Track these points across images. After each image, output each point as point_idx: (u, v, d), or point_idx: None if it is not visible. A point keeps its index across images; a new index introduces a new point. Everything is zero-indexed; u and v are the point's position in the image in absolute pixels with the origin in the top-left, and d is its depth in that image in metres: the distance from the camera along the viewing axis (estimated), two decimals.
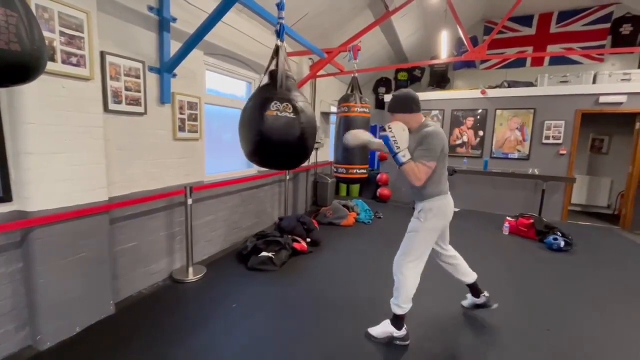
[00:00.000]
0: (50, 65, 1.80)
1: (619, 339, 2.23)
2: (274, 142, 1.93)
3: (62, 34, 1.85)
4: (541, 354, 2.04)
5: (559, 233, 4.15)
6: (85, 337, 2.07)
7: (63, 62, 1.87)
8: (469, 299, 2.50)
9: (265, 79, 2.12)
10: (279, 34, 2.05)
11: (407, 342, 2.08)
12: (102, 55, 2.18)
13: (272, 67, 2.07)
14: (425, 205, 2.03)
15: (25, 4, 0.94)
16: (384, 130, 1.93)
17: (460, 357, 2.01)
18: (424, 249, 2.06)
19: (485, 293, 2.39)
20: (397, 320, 2.09)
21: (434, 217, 2.02)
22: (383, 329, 2.13)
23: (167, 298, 2.60)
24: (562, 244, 3.96)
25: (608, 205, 6.38)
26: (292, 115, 1.89)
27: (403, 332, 2.08)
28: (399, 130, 1.90)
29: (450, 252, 2.36)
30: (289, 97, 1.93)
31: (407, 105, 1.99)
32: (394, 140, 1.90)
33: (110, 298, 2.32)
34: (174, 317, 2.32)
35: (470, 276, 2.38)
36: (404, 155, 1.90)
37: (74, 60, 1.93)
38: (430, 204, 2.02)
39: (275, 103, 1.89)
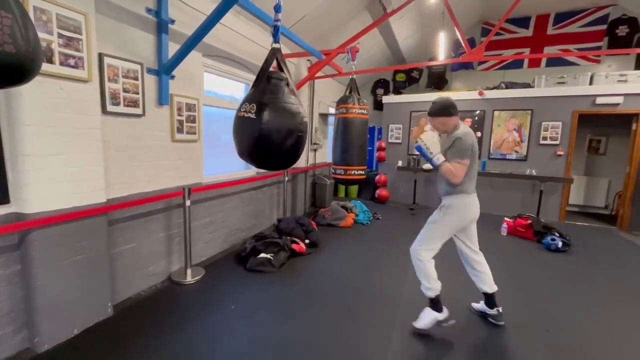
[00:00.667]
0: (48, 67, 1.81)
1: (617, 339, 2.24)
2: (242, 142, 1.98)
3: (60, 35, 1.85)
4: (539, 354, 2.04)
5: (556, 234, 4.16)
6: (83, 339, 2.06)
7: (61, 63, 1.87)
8: (480, 305, 2.48)
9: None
10: (274, 36, 2.05)
11: (452, 322, 2.21)
12: (100, 57, 2.18)
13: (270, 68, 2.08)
14: (447, 201, 2.22)
15: (20, 6, 0.94)
16: (417, 142, 2.24)
17: (458, 357, 2.01)
18: (439, 241, 2.22)
19: (500, 309, 2.37)
20: (435, 304, 2.21)
21: (453, 212, 2.18)
22: (427, 317, 2.22)
23: (165, 300, 2.59)
24: (560, 244, 3.97)
25: (605, 206, 6.41)
26: (253, 115, 1.86)
27: (445, 313, 2.21)
28: (429, 139, 2.17)
29: (478, 256, 2.38)
30: (257, 99, 1.91)
31: (446, 110, 2.22)
32: (426, 148, 2.16)
33: (108, 300, 2.32)
34: (172, 319, 2.31)
35: (491, 287, 2.37)
36: (438, 159, 2.14)
37: (72, 62, 1.93)
38: (451, 200, 2.20)
39: (245, 104, 1.91)
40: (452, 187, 2.18)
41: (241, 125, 1.95)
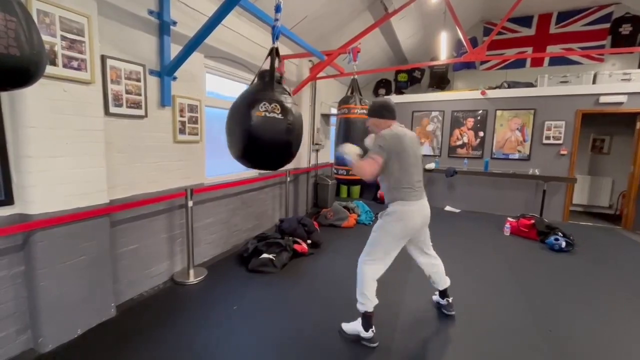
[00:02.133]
0: (51, 69, 1.83)
1: (621, 340, 2.22)
2: (264, 142, 1.99)
3: (63, 38, 1.87)
4: (543, 355, 2.03)
5: (560, 233, 4.14)
6: (86, 340, 2.07)
7: (64, 66, 1.89)
8: (436, 298, 2.58)
9: (256, 80, 2.16)
10: (274, 36, 2.07)
11: (374, 345, 2.07)
12: (103, 59, 2.19)
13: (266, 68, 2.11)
14: (388, 209, 2.13)
15: (24, 9, 0.95)
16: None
17: (461, 358, 2.01)
18: (385, 253, 2.10)
19: (450, 299, 2.47)
20: (364, 320, 2.11)
21: (394, 222, 2.07)
22: (353, 326, 2.16)
23: (168, 300, 2.60)
24: (564, 244, 3.95)
25: (610, 206, 6.36)
26: (280, 116, 1.93)
27: (370, 334, 2.08)
28: (347, 148, 2.15)
29: (432, 260, 2.40)
30: (277, 99, 1.97)
31: (378, 112, 2.18)
32: (344, 154, 2.14)
33: (111, 300, 2.33)
34: (175, 320, 2.32)
35: (444, 283, 2.44)
36: (352, 158, 2.11)
37: (75, 64, 1.94)
38: (391, 208, 2.10)
39: (264, 104, 1.93)
40: (391, 194, 2.10)
41: (264, 124, 1.96)
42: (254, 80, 2.17)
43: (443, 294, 2.48)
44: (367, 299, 2.10)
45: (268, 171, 4.37)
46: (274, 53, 2.06)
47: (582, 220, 5.78)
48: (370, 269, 2.11)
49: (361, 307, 2.11)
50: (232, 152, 2.11)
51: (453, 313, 2.45)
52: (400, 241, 2.12)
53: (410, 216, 2.08)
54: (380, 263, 2.11)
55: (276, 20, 2.05)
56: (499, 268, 3.41)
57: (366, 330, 2.09)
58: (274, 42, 2.07)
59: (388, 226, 2.09)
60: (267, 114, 1.91)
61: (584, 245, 4.20)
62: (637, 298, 2.81)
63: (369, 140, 2.26)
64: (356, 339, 2.13)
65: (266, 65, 2.11)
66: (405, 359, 1.99)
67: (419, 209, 2.11)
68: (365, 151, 2.21)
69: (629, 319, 2.48)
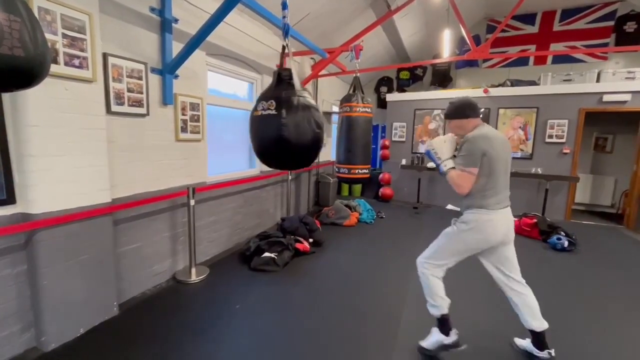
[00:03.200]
0: (52, 68, 1.80)
1: (624, 340, 2.21)
2: (263, 142, 1.97)
3: (64, 36, 1.85)
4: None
5: (562, 233, 4.12)
6: (89, 339, 2.07)
7: (65, 64, 1.88)
8: (525, 343, 2.03)
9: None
10: (285, 33, 2.02)
11: (462, 347, 1.90)
12: (105, 56, 2.18)
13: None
14: (464, 216, 1.90)
15: (28, 9, 0.94)
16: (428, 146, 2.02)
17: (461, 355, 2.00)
18: (449, 258, 1.93)
19: (552, 352, 1.90)
20: (442, 325, 1.94)
21: (469, 231, 1.85)
22: (433, 338, 1.98)
23: (170, 299, 2.60)
24: (566, 243, 3.94)
25: (612, 205, 6.34)
26: (273, 111, 1.85)
27: (453, 337, 1.91)
28: (438, 143, 1.95)
29: (520, 287, 1.96)
30: (274, 95, 1.90)
31: (461, 111, 1.95)
32: (435, 153, 1.95)
33: (114, 299, 2.33)
34: (177, 318, 2.32)
35: (537, 322, 1.91)
36: (445, 165, 1.90)
37: (76, 62, 1.93)
38: (468, 216, 1.87)
39: (262, 103, 1.89)
40: (470, 201, 1.85)
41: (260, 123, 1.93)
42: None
43: (540, 341, 1.91)
44: (440, 298, 1.92)
45: (270, 169, 4.38)
46: (285, 50, 2.00)
47: (584, 220, 5.76)
48: (432, 270, 1.94)
49: (435, 311, 1.94)
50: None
51: None
52: (471, 253, 1.92)
53: (491, 226, 1.82)
54: (440, 268, 1.95)
55: (284, 17, 2.01)
56: None
57: (447, 334, 1.92)
58: (285, 39, 1.99)
59: (463, 235, 1.87)
60: (263, 112, 1.88)
61: (587, 244, 4.18)
62: (639, 297, 2.81)
63: (439, 143, 1.96)
64: (440, 350, 1.95)
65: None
66: (402, 354, 1.98)
67: (501, 218, 1.85)
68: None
69: (632, 319, 2.47)
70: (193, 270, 2.95)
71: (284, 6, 1.96)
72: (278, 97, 1.88)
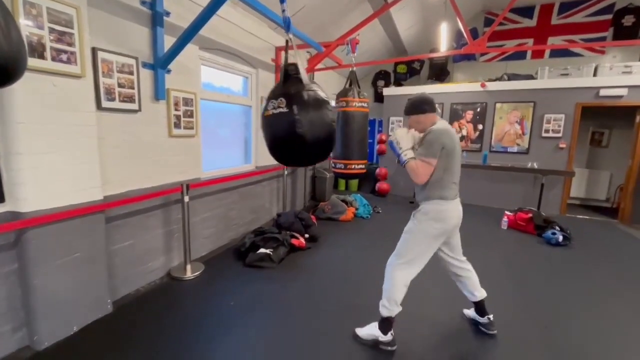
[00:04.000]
0: (39, 63, 1.77)
1: (617, 334, 2.23)
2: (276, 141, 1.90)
3: (51, 30, 1.80)
4: (539, 351, 2.04)
5: (557, 227, 4.15)
6: (82, 337, 2.07)
7: (53, 59, 1.83)
8: (472, 313, 2.32)
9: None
10: (286, 26, 1.96)
11: (393, 348, 2.01)
12: (94, 51, 2.13)
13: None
14: (423, 207, 1.99)
15: (2, 4, 0.89)
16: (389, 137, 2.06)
17: (457, 351, 2.02)
18: (418, 254, 1.98)
19: (490, 317, 2.21)
20: (384, 324, 2.02)
21: (430, 220, 1.95)
22: (369, 331, 2.08)
23: (165, 296, 2.59)
24: (561, 238, 3.96)
25: (607, 199, 6.38)
26: (285, 109, 1.78)
27: (389, 337, 2.01)
28: (401, 134, 2.03)
29: (464, 264, 2.20)
30: (283, 91, 1.83)
31: (419, 107, 2.02)
32: (397, 143, 2.01)
33: (107, 297, 2.32)
34: (171, 315, 2.32)
35: (479, 293, 2.20)
36: (405, 155, 1.98)
37: (64, 57, 1.88)
38: (428, 206, 1.97)
39: (272, 102, 1.83)
40: (430, 192, 1.95)
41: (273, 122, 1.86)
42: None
43: (481, 309, 2.22)
44: (395, 305, 1.99)
45: (265, 165, 4.35)
46: (288, 44, 1.94)
47: (579, 214, 5.80)
48: (402, 274, 1.98)
49: (385, 312, 2.01)
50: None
51: (495, 332, 2.18)
52: (436, 242, 2.00)
53: (448, 215, 1.96)
54: (413, 266, 1.99)
55: (284, 11, 1.96)
56: (496, 262, 3.42)
57: (385, 333, 2.01)
58: (287, 32, 1.93)
59: (424, 226, 1.96)
60: (274, 111, 1.81)
61: (581, 239, 4.21)
62: (633, 292, 2.83)
63: (402, 134, 2.04)
64: (374, 343, 2.05)
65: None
66: (398, 351, 1.99)
67: (455, 208, 2.01)
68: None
69: (625, 312, 2.50)
70: (188, 266, 2.94)
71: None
72: (287, 94, 1.80)
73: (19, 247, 1.85)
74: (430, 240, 1.98)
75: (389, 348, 2.02)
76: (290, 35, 1.95)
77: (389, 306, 2.00)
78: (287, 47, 1.97)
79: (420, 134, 2.02)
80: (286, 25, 1.94)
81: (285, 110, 1.78)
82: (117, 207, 2.40)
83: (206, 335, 2.12)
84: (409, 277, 1.99)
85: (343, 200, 5.26)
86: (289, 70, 1.90)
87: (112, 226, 2.40)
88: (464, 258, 2.22)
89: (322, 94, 1.87)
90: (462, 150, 6.20)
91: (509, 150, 5.97)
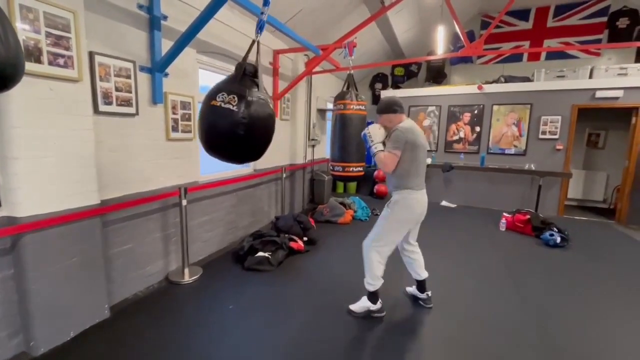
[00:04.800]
0: (36, 67, 1.77)
1: (615, 335, 2.24)
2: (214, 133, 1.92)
3: (48, 34, 1.80)
4: (536, 350, 2.04)
5: (555, 229, 4.16)
6: (80, 342, 2.05)
7: (50, 63, 1.82)
8: (412, 289, 2.67)
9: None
10: (259, 28, 2.00)
11: (382, 314, 2.39)
12: (91, 55, 2.13)
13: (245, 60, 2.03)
14: (394, 197, 2.31)
15: None
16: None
17: (455, 356, 2.01)
18: (391, 237, 2.31)
19: (429, 293, 2.57)
20: (372, 296, 2.36)
21: (401, 209, 2.26)
22: (361, 304, 2.40)
23: (163, 300, 2.58)
24: (559, 239, 3.97)
25: (604, 200, 6.41)
26: (234, 108, 1.82)
27: (378, 305, 2.37)
28: (374, 129, 2.33)
29: (415, 248, 2.54)
30: (237, 90, 1.86)
31: (390, 107, 2.32)
32: (370, 136, 2.32)
33: (105, 302, 2.30)
34: (170, 319, 2.30)
35: (424, 273, 2.55)
36: (376, 147, 2.29)
37: (61, 61, 1.88)
38: (398, 196, 2.28)
39: (222, 94, 1.84)
40: (399, 182, 2.25)
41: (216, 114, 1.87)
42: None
43: (422, 287, 2.57)
44: (377, 279, 2.32)
45: (264, 167, 4.34)
46: (256, 45, 1.99)
47: (576, 215, 5.82)
48: (378, 253, 2.30)
49: (370, 287, 2.34)
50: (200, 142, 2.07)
51: (431, 306, 2.54)
52: (406, 227, 2.32)
53: (415, 203, 2.26)
54: (386, 247, 2.31)
55: (262, 13, 1.99)
56: (494, 264, 3.43)
57: (374, 303, 2.36)
58: (257, 34, 1.99)
59: (396, 214, 2.27)
60: (223, 105, 1.83)
61: (579, 240, 4.22)
62: (630, 292, 2.84)
63: (375, 129, 2.33)
64: (366, 314, 2.38)
65: (248, 57, 2.04)
66: (395, 354, 1.99)
67: (421, 198, 2.30)
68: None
69: (622, 313, 2.50)
70: (186, 270, 2.93)
71: (266, 3, 1.93)
72: (241, 95, 1.84)
73: (16, 252, 1.84)
74: (400, 225, 2.31)
75: (380, 314, 2.39)
76: (258, 38, 1.98)
77: (372, 282, 2.34)
78: (258, 48, 1.98)
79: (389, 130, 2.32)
80: (258, 27, 1.98)
81: (234, 108, 1.82)
82: (114, 211, 2.39)
83: (205, 339, 2.10)
84: (385, 256, 2.33)
85: (341, 203, 5.26)
86: (248, 70, 1.94)
87: (109, 230, 2.39)
88: (416, 243, 2.55)
89: (270, 106, 1.99)
90: (462, 153, 6.27)
91: (506, 152, 6.00)
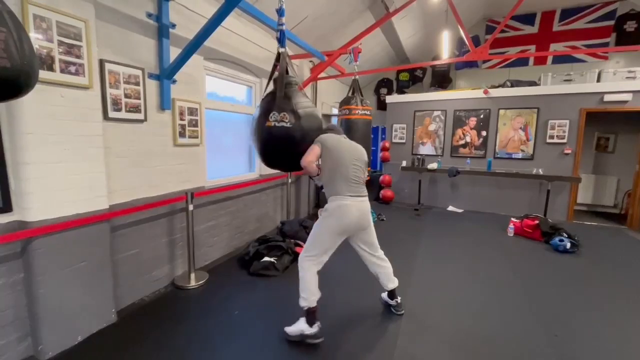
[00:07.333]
0: (48, 75, 1.81)
1: (629, 342, 2.18)
2: (276, 150, 2.15)
3: (60, 43, 1.85)
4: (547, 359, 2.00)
5: (564, 234, 4.09)
6: (87, 346, 2.06)
7: (61, 71, 1.87)
8: (385, 296, 2.61)
9: (270, 87, 2.23)
10: (280, 41, 2.04)
11: (318, 340, 2.08)
12: (101, 63, 2.17)
13: (275, 74, 2.15)
14: (326, 206, 2.22)
15: (15, 19, 0.92)
16: None
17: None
18: (322, 248, 2.17)
19: (398, 299, 2.53)
20: (308, 316, 2.12)
21: (329, 217, 2.15)
22: (297, 326, 2.14)
23: (169, 305, 2.59)
24: (568, 245, 3.90)
25: (615, 205, 6.29)
26: (288, 124, 2.01)
27: (314, 329, 2.09)
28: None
29: (378, 260, 2.46)
30: (287, 107, 2.04)
31: (325, 131, 2.34)
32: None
33: (112, 306, 2.32)
34: (176, 324, 2.31)
35: (392, 283, 2.50)
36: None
37: (72, 69, 1.92)
38: (327, 205, 2.20)
39: (274, 114, 1.98)
40: (327, 189, 2.22)
41: (274, 133, 2.06)
42: (267, 86, 2.28)
43: (392, 294, 2.53)
44: (311, 294, 2.13)
45: (269, 173, 4.37)
46: (283, 57, 2.09)
47: (586, 220, 5.72)
48: (309, 265, 2.17)
49: (304, 303, 2.12)
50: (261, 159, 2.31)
51: (402, 313, 2.49)
52: (336, 237, 2.18)
53: (344, 210, 2.13)
54: (319, 258, 2.18)
55: (280, 24, 2.03)
56: (503, 270, 3.37)
57: (311, 325, 2.10)
58: (282, 47, 2.07)
59: (324, 221, 2.17)
60: (277, 124, 2.00)
61: (589, 245, 4.14)
62: None
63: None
64: (300, 338, 2.10)
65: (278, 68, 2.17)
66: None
67: (353, 204, 2.16)
68: None
69: (636, 320, 2.44)
70: (192, 275, 2.94)
71: (281, 13, 1.96)
72: (291, 109, 2.04)
73: (25, 257, 1.87)
74: (330, 234, 2.17)
75: (315, 341, 2.07)
76: (283, 50, 2.09)
77: (306, 296, 2.13)
78: (289, 59, 2.06)
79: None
80: (280, 39, 2.09)
81: (288, 125, 2.01)
82: (122, 216, 2.42)
83: (211, 344, 2.10)
84: (317, 268, 2.19)
85: None
86: (292, 84, 2.12)
87: (117, 235, 2.42)
88: (381, 253, 2.47)
89: (318, 112, 2.23)
90: (468, 158, 6.22)
91: (513, 156, 5.94)
